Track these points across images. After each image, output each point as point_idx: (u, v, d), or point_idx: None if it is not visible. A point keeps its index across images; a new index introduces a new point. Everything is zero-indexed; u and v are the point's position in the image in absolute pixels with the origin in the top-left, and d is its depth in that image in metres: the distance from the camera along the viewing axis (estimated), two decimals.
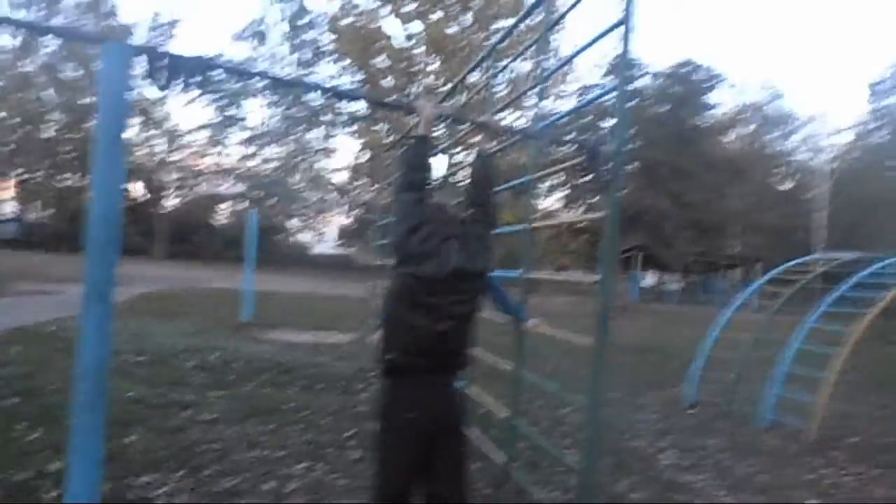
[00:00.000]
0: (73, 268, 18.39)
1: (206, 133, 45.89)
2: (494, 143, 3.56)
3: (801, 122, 49.70)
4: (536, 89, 4.56)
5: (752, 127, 50.81)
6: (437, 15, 38.26)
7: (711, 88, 27.00)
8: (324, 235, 52.95)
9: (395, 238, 2.64)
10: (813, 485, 4.87)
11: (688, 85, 25.79)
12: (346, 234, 52.47)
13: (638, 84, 26.24)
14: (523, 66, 33.55)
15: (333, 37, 41.92)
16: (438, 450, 2.63)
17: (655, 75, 26.46)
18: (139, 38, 41.63)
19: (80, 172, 43.36)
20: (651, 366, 10.36)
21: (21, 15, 36.92)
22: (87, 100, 41.89)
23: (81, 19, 39.98)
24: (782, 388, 6.72)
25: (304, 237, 54.08)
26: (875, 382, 10.28)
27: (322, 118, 45.59)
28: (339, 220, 50.99)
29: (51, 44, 40.43)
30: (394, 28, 40.61)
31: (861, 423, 7.18)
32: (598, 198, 26.47)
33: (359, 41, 39.35)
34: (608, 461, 4.91)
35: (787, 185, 48.74)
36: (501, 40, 5.63)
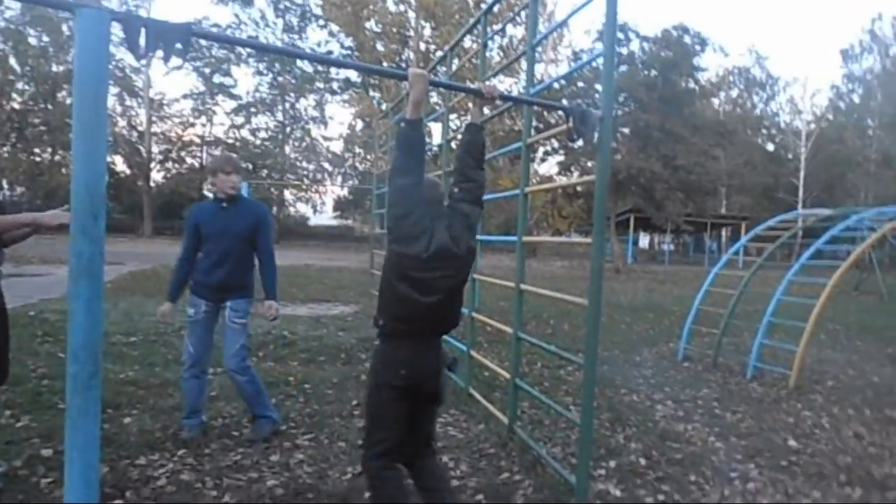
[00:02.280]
0: (51, 248, 18.11)
1: (191, 103, 44.82)
2: (488, 110, 3.66)
3: (784, 84, 50.72)
4: (527, 55, 4.64)
5: (738, 90, 51.55)
6: None
7: (701, 52, 26.86)
8: (321, 206, 52.49)
9: (389, 220, 2.82)
10: (793, 427, 5.18)
11: (678, 48, 25.66)
12: (342, 205, 52.20)
13: (629, 49, 26.11)
14: (518, 31, 33.37)
15: (320, 1, 41.17)
16: (420, 403, 2.90)
17: (646, 39, 26.27)
18: (113, 1, 39.94)
19: (52, 146, 41.02)
20: (646, 324, 10.70)
21: None
22: (56, 68, 39.68)
23: None
24: (766, 339, 7.06)
25: (301, 209, 53.73)
26: (851, 330, 10.82)
27: (313, 86, 44.90)
28: (335, 190, 50.74)
29: (11, 7, 36.75)
30: None
31: (838, 369, 7.61)
32: (591, 163, 26.58)
33: (347, 5, 38.68)
34: (607, 415, 5.18)
35: (771, 147, 49.59)
36: (492, 5, 5.62)
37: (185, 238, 4.32)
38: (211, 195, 4.45)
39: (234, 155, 4.59)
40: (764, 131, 51.09)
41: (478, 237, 5.57)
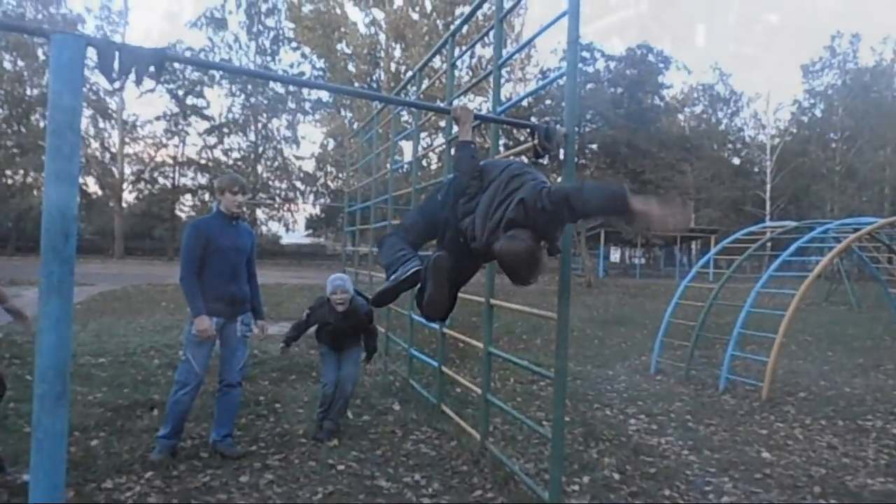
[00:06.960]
0: (22, 270, 17.62)
1: (163, 124, 44.63)
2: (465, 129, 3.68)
3: (747, 99, 52.06)
4: (493, 75, 4.71)
5: (703, 105, 52.76)
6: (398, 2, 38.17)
7: (664, 70, 27.36)
8: (294, 225, 52.18)
9: None
10: (767, 439, 5.21)
11: (642, 67, 26.12)
12: (314, 223, 52.01)
13: (595, 67, 26.50)
14: (487, 51, 33.80)
15: (292, 25, 41.59)
16: None
17: (611, 58, 26.70)
18: (88, 27, 40.03)
19: (24, 169, 40.71)
20: (618, 337, 10.74)
21: None
22: (30, 91, 39.89)
23: (22, 5, 37.68)
24: (737, 351, 7.11)
25: (273, 227, 53.38)
26: (822, 340, 10.90)
27: (285, 106, 44.99)
28: (307, 208, 50.52)
29: None
30: (353, 14, 40.45)
31: (809, 379, 7.67)
32: (560, 178, 26.81)
33: (319, 28, 39.03)
34: (580, 430, 5.17)
35: (737, 161, 50.65)
36: (459, 27, 5.72)
37: (193, 253, 4.19)
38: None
39: (241, 176, 4.60)
40: (729, 146, 52.09)
41: None
